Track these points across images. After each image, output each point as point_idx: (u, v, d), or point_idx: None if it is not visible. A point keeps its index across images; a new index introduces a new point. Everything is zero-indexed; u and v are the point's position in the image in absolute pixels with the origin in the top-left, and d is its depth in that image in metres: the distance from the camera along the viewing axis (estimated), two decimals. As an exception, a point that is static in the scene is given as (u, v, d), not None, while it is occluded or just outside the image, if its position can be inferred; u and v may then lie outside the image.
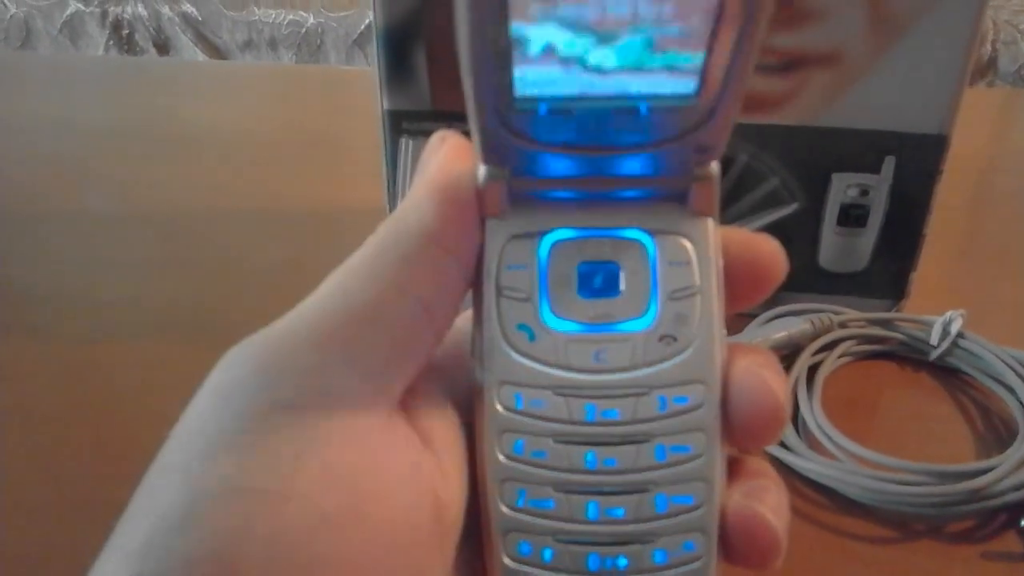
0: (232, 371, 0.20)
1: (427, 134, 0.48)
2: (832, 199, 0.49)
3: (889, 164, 0.47)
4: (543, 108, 0.20)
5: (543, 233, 0.22)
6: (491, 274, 0.22)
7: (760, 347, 0.23)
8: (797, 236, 0.50)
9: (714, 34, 0.18)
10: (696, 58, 0.19)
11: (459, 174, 0.22)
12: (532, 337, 0.22)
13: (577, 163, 0.22)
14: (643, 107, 0.20)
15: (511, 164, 0.21)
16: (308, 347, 0.20)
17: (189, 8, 1.63)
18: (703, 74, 0.19)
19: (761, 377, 0.21)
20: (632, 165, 0.22)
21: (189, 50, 1.63)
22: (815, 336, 0.48)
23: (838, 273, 0.51)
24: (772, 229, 0.49)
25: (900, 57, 0.45)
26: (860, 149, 0.47)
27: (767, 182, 0.48)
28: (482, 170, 0.22)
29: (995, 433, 0.45)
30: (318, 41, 1.63)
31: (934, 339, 0.48)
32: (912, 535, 0.39)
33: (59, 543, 0.38)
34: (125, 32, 1.65)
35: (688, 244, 0.22)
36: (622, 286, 0.22)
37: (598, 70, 0.19)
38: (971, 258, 0.60)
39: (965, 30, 0.44)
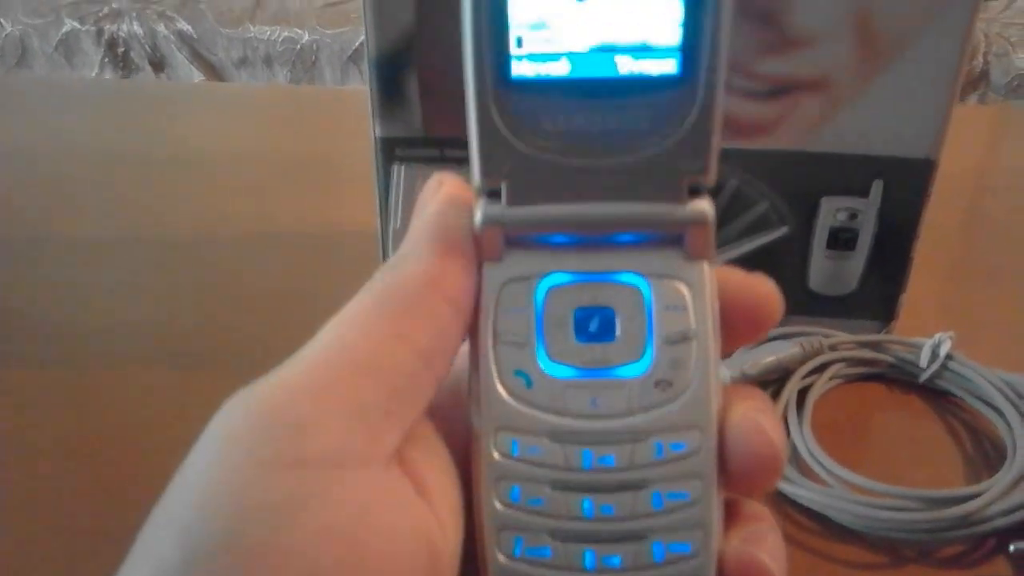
0: (229, 423, 0.20)
1: (420, 160, 0.49)
2: (821, 223, 0.49)
3: (877, 188, 0.48)
4: (538, 86, 0.21)
5: (539, 277, 0.22)
6: (488, 319, 0.22)
7: (755, 390, 0.23)
8: (787, 259, 0.50)
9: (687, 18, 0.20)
10: (675, 43, 0.21)
11: (457, 219, 0.22)
12: (529, 383, 0.22)
13: (571, 176, 0.22)
14: (631, 84, 0.21)
15: (507, 173, 0.22)
16: (306, 400, 0.20)
17: (184, 26, 1.63)
18: (684, 54, 0.21)
19: (758, 423, 0.21)
20: (626, 171, 0.22)
21: (184, 67, 1.64)
22: (804, 359, 0.48)
23: (828, 295, 0.51)
24: (762, 252, 0.50)
25: (888, 83, 0.45)
26: (848, 173, 0.47)
27: (757, 206, 0.49)
28: (479, 214, 0.22)
29: (984, 455, 0.45)
30: (313, 58, 1.64)
31: (923, 361, 0.48)
32: (902, 560, 0.39)
33: (56, 572, 0.38)
34: (120, 50, 1.65)
35: (684, 288, 0.22)
36: (618, 330, 0.22)
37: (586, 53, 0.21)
38: (960, 279, 0.60)
39: (952, 57, 0.45)
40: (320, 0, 1.66)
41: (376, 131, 0.49)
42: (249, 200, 0.69)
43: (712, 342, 0.22)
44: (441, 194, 0.23)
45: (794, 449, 0.44)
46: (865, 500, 0.40)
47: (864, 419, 0.48)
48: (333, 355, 0.20)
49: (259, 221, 0.66)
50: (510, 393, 0.22)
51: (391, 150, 0.49)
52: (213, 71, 1.64)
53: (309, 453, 0.19)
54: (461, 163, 0.48)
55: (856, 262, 0.50)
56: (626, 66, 0.21)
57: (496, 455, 0.22)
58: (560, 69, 0.21)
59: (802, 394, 0.47)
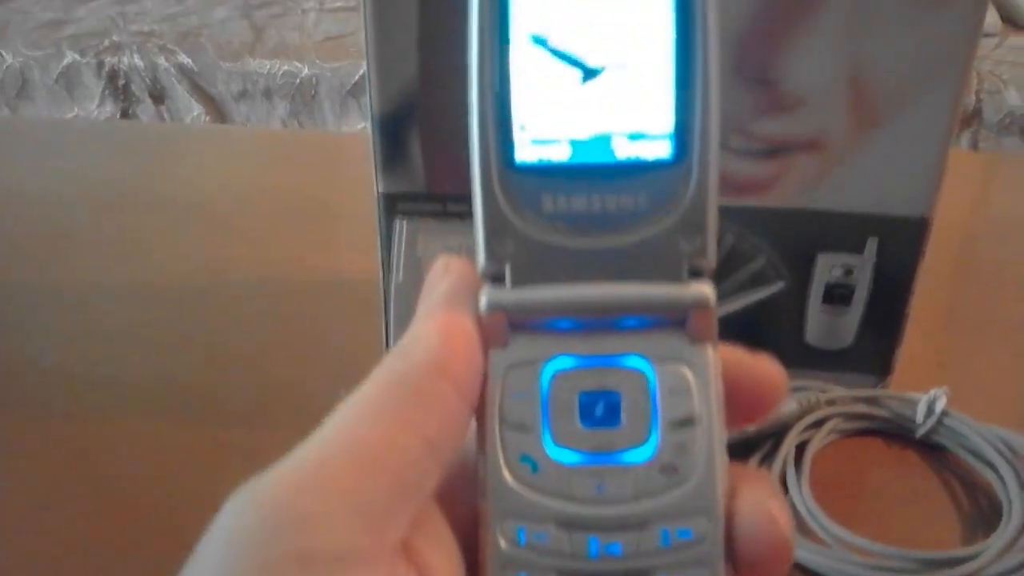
0: (237, 519, 0.20)
1: (422, 215, 0.50)
2: (817, 278, 0.50)
3: (872, 245, 0.48)
4: (540, 170, 0.22)
5: (543, 362, 0.23)
6: (494, 404, 0.22)
7: (761, 472, 0.24)
8: (784, 313, 0.51)
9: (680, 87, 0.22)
10: (669, 130, 0.22)
11: (464, 304, 0.23)
12: (535, 468, 0.22)
13: (574, 257, 0.22)
14: (629, 168, 0.22)
15: (511, 256, 0.22)
16: (313, 495, 0.20)
17: (185, 59, 1.65)
18: (677, 139, 0.22)
19: (770, 513, 0.21)
20: (627, 252, 0.22)
21: (184, 100, 1.65)
22: (802, 415, 0.48)
23: (824, 349, 0.52)
24: (759, 307, 0.50)
25: (882, 143, 0.46)
26: (844, 231, 0.48)
27: (754, 261, 0.49)
28: (484, 300, 0.22)
29: (980, 512, 0.46)
30: (312, 91, 1.65)
31: (919, 417, 0.49)
32: (899, 621, 0.40)
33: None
34: (121, 83, 1.66)
35: (688, 372, 0.22)
36: (623, 415, 0.22)
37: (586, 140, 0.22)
38: (956, 331, 0.61)
39: (944, 118, 0.45)
40: (320, 34, 1.68)
41: (379, 187, 0.49)
42: (250, 245, 0.70)
43: (717, 426, 0.22)
44: (448, 277, 0.23)
45: (793, 508, 0.44)
46: (864, 561, 0.40)
47: (861, 475, 0.48)
48: (340, 448, 0.21)
49: (260, 267, 0.67)
50: (516, 479, 0.22)
51: (393, 205, 0.50)
52: (213, 104, 1.65)
53: (315, 550, 0.19)
54: (463, 217, 0.49)
55: (852, 317, 0.50)
56: (623, 150, 0.22)
57: (503, 543, 0.22)
58: (561, 154, 0.22)
59: (799, 448, 0.48)
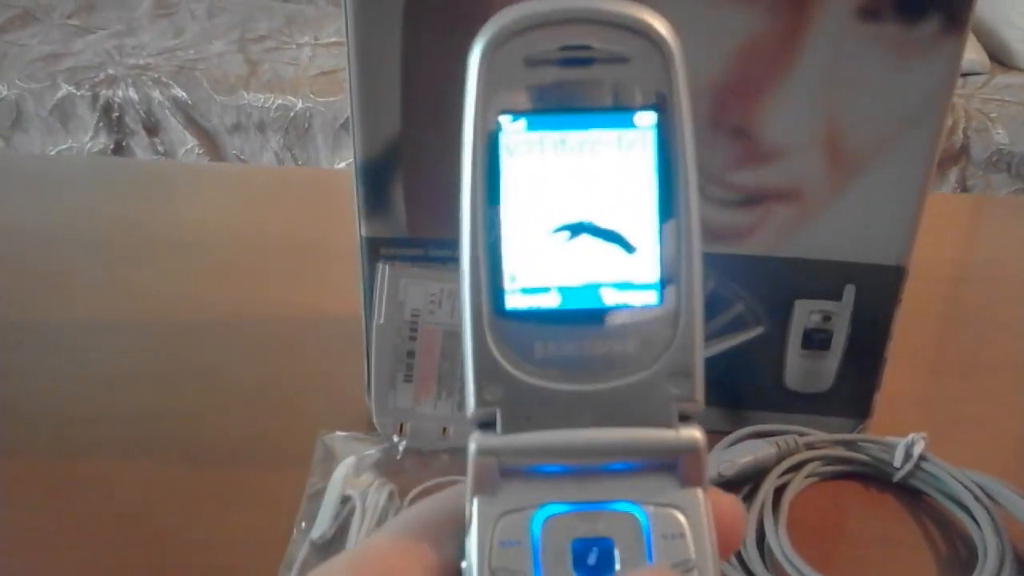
0: None
1: (404, 259, 0.50)
2: (796, 323, 0.50)
3: (850, 292, 0.49)
4: (530, 317, 0.22)
5: (534, 508, 0.22)
6: (484, 554, 0.22)
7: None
8: (763, 358, 0.51)
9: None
10: (655, 280, 0.22)
11: (432, 512, 0.23)
12: None
13: (564, 402, 0.22)
14: (617, 314, 0.22)
15: (500, 401, 0.22)
16: None
17: (179, 92, 1.66)
18: (663, 288, 0.22)
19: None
20: (617, 397, 0.22)
21: (178, 133, 1.66)
22: (781, 458, 0.49)
23: (804, 393, 0.52)
24: (738, 351, 0.51)
25: (858, 193, 0.47)
26: (821, 278, 0.49)
27: (732, 307, 0.50)
28: (473, 446, 0.22)
29: (957, 557, 0.46)
30: (306, 125, 1.66)
31: (897, 461, 0.49)
32: (874, 669, 0.40)
33: None
34: (115, 115, 1.67)
35: (681, 517, 0.22)
36: (617, 564, 0.22)
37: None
38: (937, 373, 0.62)
39: (921, 166, 0.46)
40: (314, 69, 1.69)
41: (362, 231, 0.50)
42: (238, 283, 0.70)
43: (712, 570, 0.22)
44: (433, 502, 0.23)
45: (769, 551, 0.45)
46: (837, 608, 0.40)
47: (839, 518, 0.49)
48: None
49: (248, 305, 0.67)
50: None
51: (376, 249, 0.50)
52: (207, 137, 1.66)
53: None
54: (445, 262, 0.50)
55: (831, 361, 0.51)
56: (611, 298, 0.23)
57: None
58: (551, 301, 0.23)
59: (777, 492, 0.48)
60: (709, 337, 0.51)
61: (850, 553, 0.47)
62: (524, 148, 0.22)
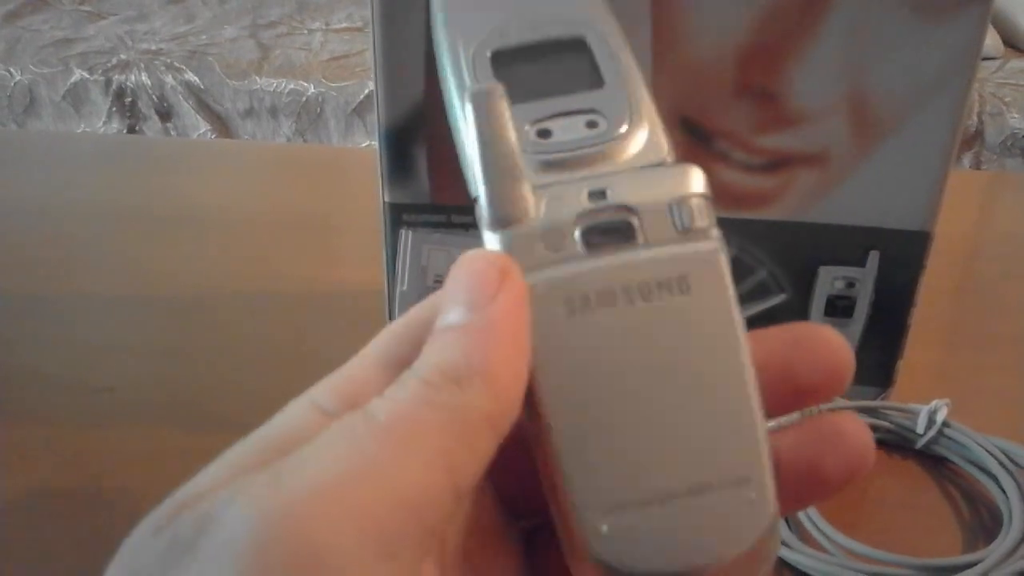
0: (240, 542, 0.18)
1: (427, 226, 0.50)
2: (819, 290, 0.50)
3: (874, 259, 0.49)
4: None
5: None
6: None
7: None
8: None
9: None
10: None
11: (523, 341, 0.21)
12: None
13: None
14: None
15: None
16: (333, 531, 0.18)
17: (192, 77, 1.66)
18: None
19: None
20: None
21: (191, 117, 1.66)
22: (804, 425, 0.49)
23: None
24: (761, 318, 0.51)
25: (883, 158, 0.46)
26: (845, 244, 0.49)
27: (755, 274, 0.50)
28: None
29: (981, 522, 0.46)
30: (318, 110, 1.66)
31: (920, 427, 0.49)
32: (901, 629, 0.40)
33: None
34: (128, 100, 1.68)
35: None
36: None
37: None
38: (957, 345, 0.61)
39: (946, 132, 0.46)
40: (326, 54, 1.69)
41: (385, 197, 0.50)
42: (255, 258, 0.71)
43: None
44: (505, 296, 0.20)
45: (796, 516, 0.45)
46: (864, 568, 0.40)
47: (863, 485, 0.49)
48: (370, 481, 0.18)
49: (265, 279, 0.67)
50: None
51: (399, 216, 0.50)
52: (219, 121, 1.66)
53: None
54: (467, 228, 0.50)
55: (854, 329, 0.51)
56: None
57: None
58: None
59: (801, 459, 0.48)
60: (731, 305, 0.51)
61: (874, 517, 0.47)
62: None
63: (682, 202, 0.22)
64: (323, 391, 0.21)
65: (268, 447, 0.20)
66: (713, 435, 0.21)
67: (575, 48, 0.25)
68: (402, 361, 0.21)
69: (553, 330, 0.21)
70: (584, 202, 0.22)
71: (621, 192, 0.22)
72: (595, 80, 0.24)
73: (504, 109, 0.22)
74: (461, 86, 0.25)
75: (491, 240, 0.22)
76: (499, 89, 0.22)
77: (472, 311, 0.20)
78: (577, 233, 0.22)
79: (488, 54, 0.25)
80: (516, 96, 0.23)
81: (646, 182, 0.22)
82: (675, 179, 0.22)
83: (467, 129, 0.22)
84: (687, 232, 0.22)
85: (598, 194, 0.22)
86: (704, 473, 0.21)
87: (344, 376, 0.22)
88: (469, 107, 0.22)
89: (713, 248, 0.22)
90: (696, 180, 0.22)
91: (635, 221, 0.22)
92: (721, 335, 0.22)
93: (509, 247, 0.21)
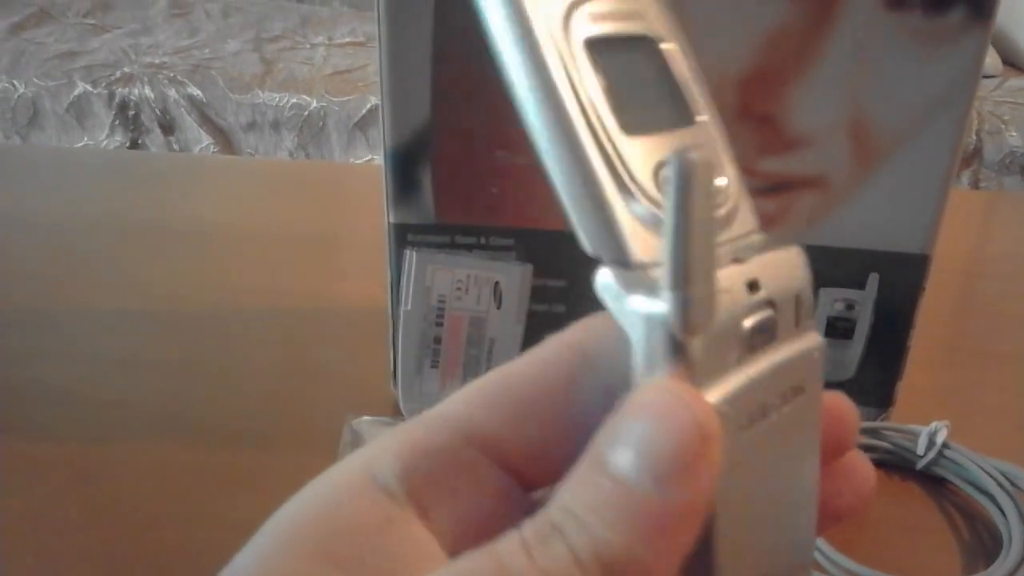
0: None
1: (431, 246, 0.51)
2: (819, 312, 0.51)
3: (873, 281, 0.49)
4: None
5: None
6: None
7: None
8: (787, 346, 0.52)
9: None
10: None
11: None
12: None
13: None
14: None
15: None
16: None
17: (195, 91, 1.67)
18: None
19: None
20: None
21: (193, 131, 1.67)
22: (805, 446, 0.49)
23: (826, 381, 0.52)
24: (762, 339, 0.51)
25: (883, 181, 0.47)
26: (845, 266, 0.49)
27: (757, 295, 0.50)
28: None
29: (981, 543, 0.46)
30: (320, 124, 1.67)
31: (920, 449, 0.49)
32: (900, 651, 0.40)
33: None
34: (131, 113, 1.69)
35: None
36: None
37: None
38: (956, 365, 0.62)
39: (946, 156, 0.47)
40: (328, 68, 1.70)
41: (390, 217, 0.50)
42: (259, 274, 0.71)
43: None
44: (705, 478, 0.16)
45: (794, 536, 0.45)
46: (864, 590, 0.41)
47: (863, 506, 0.49)
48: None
49: (269, 295, 0.68)
50: None
51: (404, 236, 0.51)
52: (222, 135, 1.67)
53: None
54: (471, 249, 0.50)
55: (854, 350, 0.51)
56: None
57: None
58: None
59: (801, 480, 0.48)
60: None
61: (874, 538, 0.47)
62: None
63: (803, 294, 0.20)
64: (382, 460, 0.19)
65: (331, 533, 0.18)
66: (798, 527, 0.21)
67: (657, 59, 0.21)
68: (480, 429, 0.19)
69: (730, 457, 0.18)
70: (745, 297, 0.19)
71: (768, 284, 0.19)
72: (683, 111, 0.20)
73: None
74: (539, 67, 0.18)
75: (665, 346, 0.17)
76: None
77: (656, 481, 0.16)
78: (746, 336, 0.19)
79: (581, 39, 0.19)
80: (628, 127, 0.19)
81: (776, 269, 0.20)
82: (794, 265, 0.20)
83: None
84: (800, 323, 0.20)
85: (753, 285, 0.19)
86: (791, 560, 0.21)
87: (408, 442, 0.19)
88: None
89: (820, 343, 0.21)
90: (806, 266, 0.21)
91: (777, 317, 0.19)
92: (813, 434, 0.21)
93: (702, 365, 0.18)
